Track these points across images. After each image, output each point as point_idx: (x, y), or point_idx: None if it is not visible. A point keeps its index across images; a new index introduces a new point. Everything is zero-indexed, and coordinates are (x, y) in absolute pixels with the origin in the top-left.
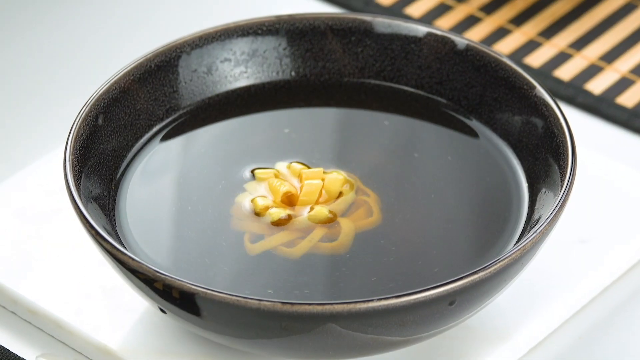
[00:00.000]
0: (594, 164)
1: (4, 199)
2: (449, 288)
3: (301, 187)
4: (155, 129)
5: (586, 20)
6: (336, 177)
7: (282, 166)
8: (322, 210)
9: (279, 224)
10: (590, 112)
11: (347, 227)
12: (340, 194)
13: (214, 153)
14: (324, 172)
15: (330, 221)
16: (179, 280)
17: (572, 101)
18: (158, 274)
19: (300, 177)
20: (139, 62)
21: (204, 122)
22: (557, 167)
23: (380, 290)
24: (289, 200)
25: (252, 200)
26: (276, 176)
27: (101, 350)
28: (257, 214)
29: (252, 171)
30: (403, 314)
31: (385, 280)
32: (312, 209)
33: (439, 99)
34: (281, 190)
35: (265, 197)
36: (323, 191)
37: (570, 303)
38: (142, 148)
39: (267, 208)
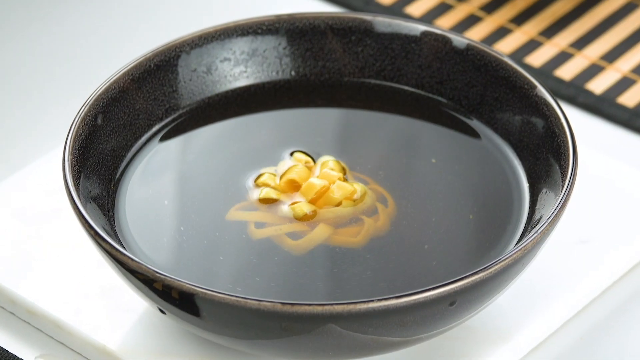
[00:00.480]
0: (595, 164)
1: (3, 199)
2: (449, 288)
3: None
4: (154, 129)
5: (587, 19)
6: (343, 186)
7: (324, 158)
8: (300, 206)
9: (264, 202)
10: (591, 112)
11: (316, 234)
12: (340, 203)
13: (214, 153)
14: (342, 179)
15: (306, 219)
16: (178, 280)
17: (573, 101)
18: (157, 274)
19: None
20: (138, 61)
21: (204, 122)
22: (558, 167)
23: (380, 291)
24: (291, 188)
25: (261, 174)
26: (307, 164)
27: (100, 351)
28: (256, 186)
29: (293, 153)
30: (403, 314)
31: (386, 281)
32: (295, 202)
33: (440, 98)
34: (288, 176)
35: (274, 175)
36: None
37: (571, 303)
38: (141, 148)
39: (264, 185)
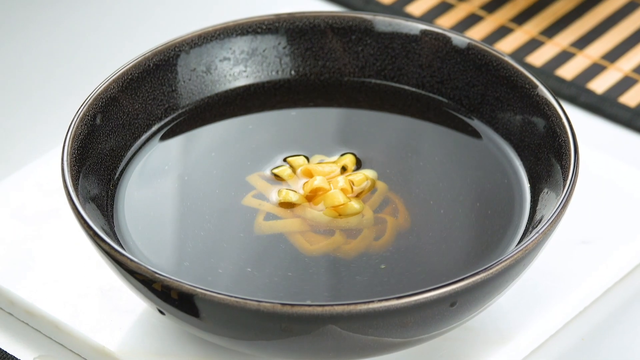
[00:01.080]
0: (596, 163)
1: (2, 199)
2: (450, 289)
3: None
4: (153, 129)
5: (588, 19)
6: (334, 195)
7: (363, 170)
8: (288, 192)
9: (275, 178)
10: (593, 112)
11: (281, 223)
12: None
13: (213, 153)
14: (347, 190)
15: (287, 206)
16: (177, 281)
17: (574, 100)
18: (157, 275)
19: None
20: (137, 61)
21: (203, 122)
22: (559, 167)
23: (380, 291)
24: (305, 177)
25: (298, 155)
26: (344, 167)
27: (99, 352)
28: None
29: (344, 154)
30: (404, 315)
31: (386, 281)
32: (287, 189)
33: (440, 98)
34: (311, 167)
35: (305, 160)
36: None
37: (572, 304)
38: (140, 148)
39: (289, 164)
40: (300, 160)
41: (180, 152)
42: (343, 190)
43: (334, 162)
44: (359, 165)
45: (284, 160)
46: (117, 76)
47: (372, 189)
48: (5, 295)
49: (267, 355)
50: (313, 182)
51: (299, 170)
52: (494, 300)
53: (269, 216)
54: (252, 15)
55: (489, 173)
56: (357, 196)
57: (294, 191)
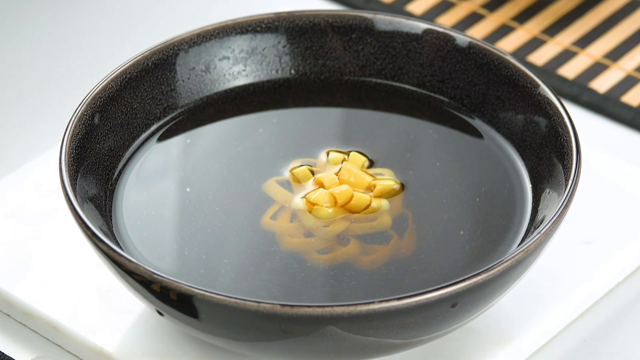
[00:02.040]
0: (598, 163)
1: (0, 199)
2: (451, 290)
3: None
4: (152, 128)
5: (590, 17)
6: (316, 192)
7: (380, 200)
8: (303, 170)
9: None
10: (595, 111)
11: (275, 190)
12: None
13: (212, 152)
14: (332, 200)
15: (295, 180)
16: (176, 282)
17: (576, 100)
18: (155, 276)
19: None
20: (135, 60)
21: (202, 121)
22: (561, 167)
23: (381, 293)
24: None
25: (363, 156)
26: (375, 181)
27: (97, 353)
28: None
29: (390, 180)
30: (404, 316)
31: (387, 282)
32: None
33: (441, 97)
34: (350, 166)
35: (364, 162)
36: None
37: (574, 305)
38: (139, 147)
39: (349, 156)
40: (358, 158)
41: (179, 151)
42: (332, 196)
43: (374, 178)
44: (400, 190)
45: (348, 152)
46: (115, 75)
47: (370, 214)
48: (3, 296)
49: (267, 357)
50: (322, 176)
51: (341, 164)
52: (495, 301)
53: (281, 182)
54: (252, 14)
55: (490, 173)
56: (352, 213)
57: (311, 172)
